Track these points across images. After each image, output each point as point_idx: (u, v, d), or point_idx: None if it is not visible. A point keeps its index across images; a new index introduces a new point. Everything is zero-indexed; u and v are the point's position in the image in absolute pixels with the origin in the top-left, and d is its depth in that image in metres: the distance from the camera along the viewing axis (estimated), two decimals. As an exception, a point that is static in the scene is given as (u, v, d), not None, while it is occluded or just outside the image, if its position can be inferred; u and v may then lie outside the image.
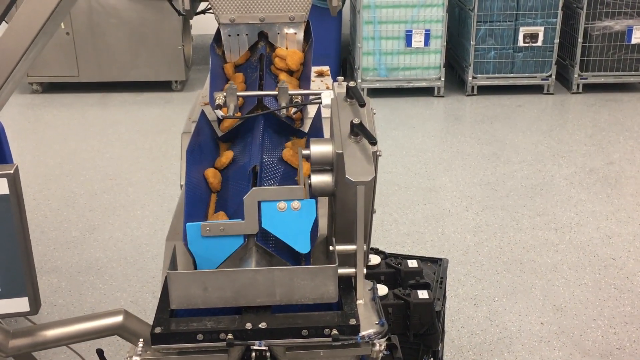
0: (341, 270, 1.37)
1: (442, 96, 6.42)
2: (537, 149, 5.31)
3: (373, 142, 1.32)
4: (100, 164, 5.10)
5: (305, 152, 1.43)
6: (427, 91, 6.44)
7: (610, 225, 4.23)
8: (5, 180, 1.42)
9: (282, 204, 1.37)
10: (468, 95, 6.44)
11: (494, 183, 4.77)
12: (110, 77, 6.42)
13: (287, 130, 1.86)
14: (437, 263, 2.44)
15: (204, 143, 1.74)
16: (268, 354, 1.41)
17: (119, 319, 1.74)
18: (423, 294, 1.79)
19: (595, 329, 3.32)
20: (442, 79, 6.33)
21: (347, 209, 1.39)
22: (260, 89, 1.98)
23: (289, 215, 1.37)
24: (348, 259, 1.42)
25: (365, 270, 1.40)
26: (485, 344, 3.23)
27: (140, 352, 1.34)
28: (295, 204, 1.37)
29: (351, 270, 1.39)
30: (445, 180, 4.82)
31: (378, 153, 1.36)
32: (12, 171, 1.43)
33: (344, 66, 7.02)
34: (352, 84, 1.44)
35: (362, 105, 1.40)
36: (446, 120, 6.03)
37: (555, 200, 4.53)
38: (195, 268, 1.38)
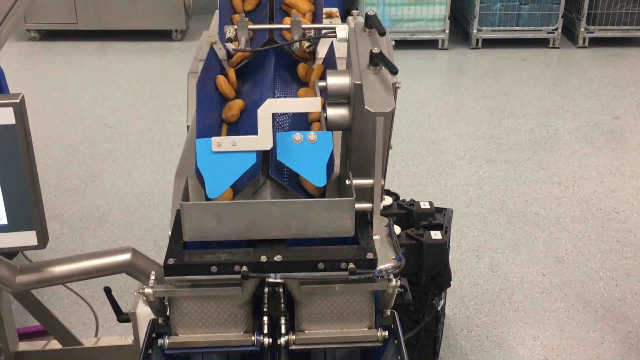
0: (357, 205, 1.33)
1: (446, 49, 6.33)
2: (541, 103, 5.26)
3: (394, 71, 1.27)
4: (100, 113, 5.04)
5: (321, 84, 1.39)
6: (431, 44, 6.35)
7: (614, 179, 4.21)
8: (11, 110, 1.38)
9: (297, 136, 1.33)
10: (472, 49, 6.35)
11: (497, 136, 4.74)
12: (109, 25, 6.30)
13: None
14: (442, 213, 2.43)
15: (213, 78, 1.69)
16: (281, 289, 1.39)
17: (127, 256, 1.72)
18: (436, 235, 1.77)
19: (597, 280, 3.32)
20: (447, 31, 6.23)
21: (364, 143, 1.35)
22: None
23: (305, 148, 1.33)
24: (363, 196, 1.39)
25: (381, 205, 1.37)
26: (487, 295, 3.24)
27: (152, 285, 1.32)
28: (312, 136, 1.33)
29: (367, 206, 1.36)
30: (448, 133, 4.78)
31: (397, 85, 1.32)
32: (18, 100, 1.38)
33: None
34: (371, 12, 1.39)
35: (382, 34, 1.35)
36: (450, 74, 5.96)
37: (559, 154, 4.50)
38: (205, 192, 1.32)
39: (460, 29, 6.66)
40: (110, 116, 4.99)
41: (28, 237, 1.50)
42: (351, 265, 1.26)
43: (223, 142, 1.28)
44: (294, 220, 1.28)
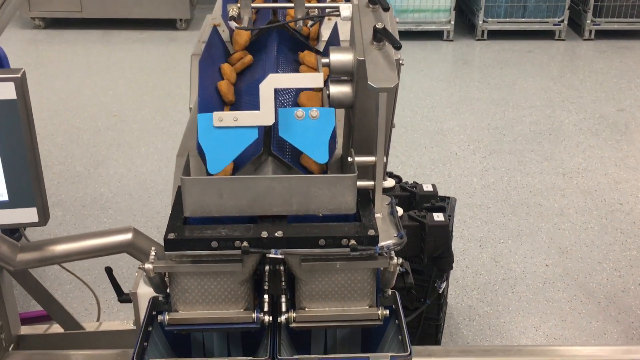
0: (360, 183, 1.32)
1: (452, 40, 6.30)
2: (546, 95, 5.24)
3: (397, 46, 1.26)
4: (104, 101, 5.04)
5: (324, 60, 1.37)
6: (436, 35, 6.32)
7: (619, 171, 4.19)
8: (12, 85, 1.37)
9: (300, 112, 1.32)
10: (478, 40, 6.32)
11: (502, 127, 4.72)
12: (114, 14, 6.29)
13: (301, 47, 1.79)
14: (446, 201, 2.42)
15: (216, 57, 1.68)
16: (282, 267, 1.38)
17: (128, 236, 1.72)
18: (439, 217, 1.76)
19: (600, 271, 3.31)
20: (452, 22, 6.20)
21: (367, 120, 1.34)
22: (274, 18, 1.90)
23: (307, 124, 1.32)
24: (365, 174, 1.38)
25: (383, 185, 1.36)
26: (489, 284, 3.23)
27: (153, 260, 1.31)
28: (314, 112, 1.32)
29: (370, 183, 1.35)
30: (452, 124, 4.77)
31: (401, 62, 1.31)
32: (19, 75, 1.38)
33: (352, 9, 6.88)
34: (374, -13, 1.38)
35: (386, 9, 1.34)
36: (455, 65, 5.93)
37: (563, 146, 4.48)
38: (206, 168, 1.31)
39: (465, 20, 6.63)
40: (114, 104, 4.99)
41: (29, 214, 1.49)
42: (352, 241, 1.25)
43: (225, 117, 1.27)
44: (296, 196, 1.27)
